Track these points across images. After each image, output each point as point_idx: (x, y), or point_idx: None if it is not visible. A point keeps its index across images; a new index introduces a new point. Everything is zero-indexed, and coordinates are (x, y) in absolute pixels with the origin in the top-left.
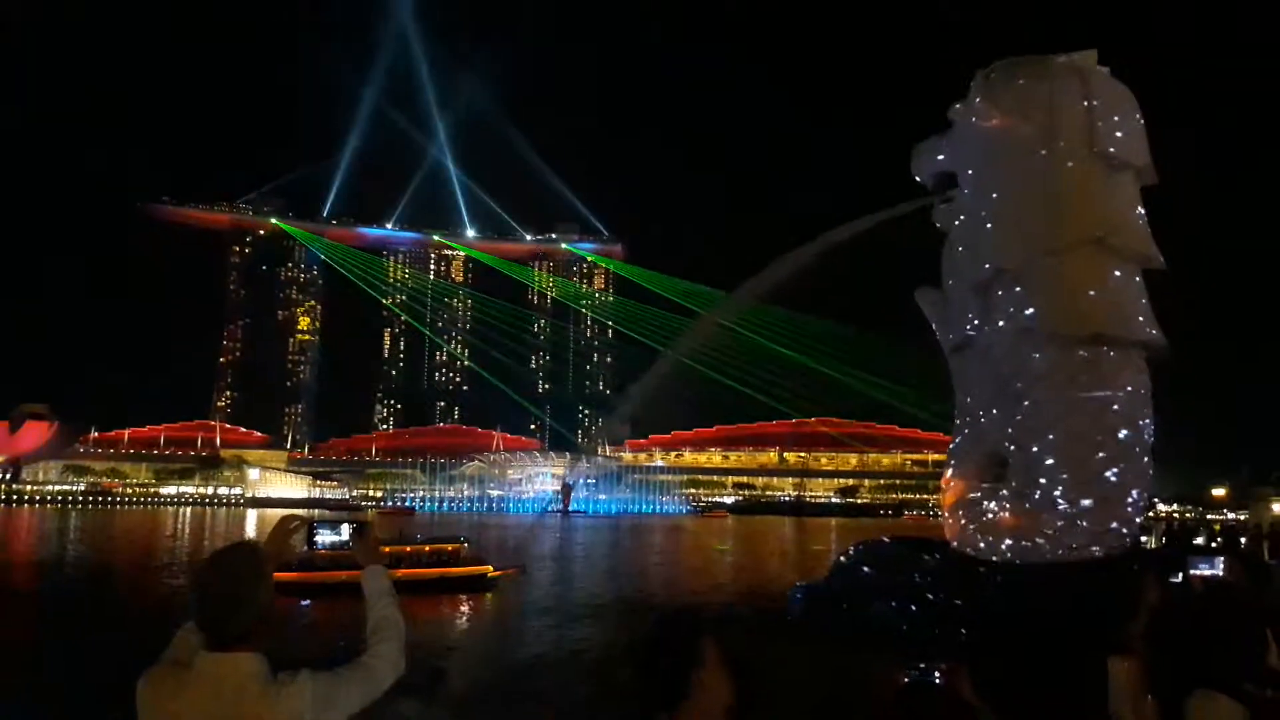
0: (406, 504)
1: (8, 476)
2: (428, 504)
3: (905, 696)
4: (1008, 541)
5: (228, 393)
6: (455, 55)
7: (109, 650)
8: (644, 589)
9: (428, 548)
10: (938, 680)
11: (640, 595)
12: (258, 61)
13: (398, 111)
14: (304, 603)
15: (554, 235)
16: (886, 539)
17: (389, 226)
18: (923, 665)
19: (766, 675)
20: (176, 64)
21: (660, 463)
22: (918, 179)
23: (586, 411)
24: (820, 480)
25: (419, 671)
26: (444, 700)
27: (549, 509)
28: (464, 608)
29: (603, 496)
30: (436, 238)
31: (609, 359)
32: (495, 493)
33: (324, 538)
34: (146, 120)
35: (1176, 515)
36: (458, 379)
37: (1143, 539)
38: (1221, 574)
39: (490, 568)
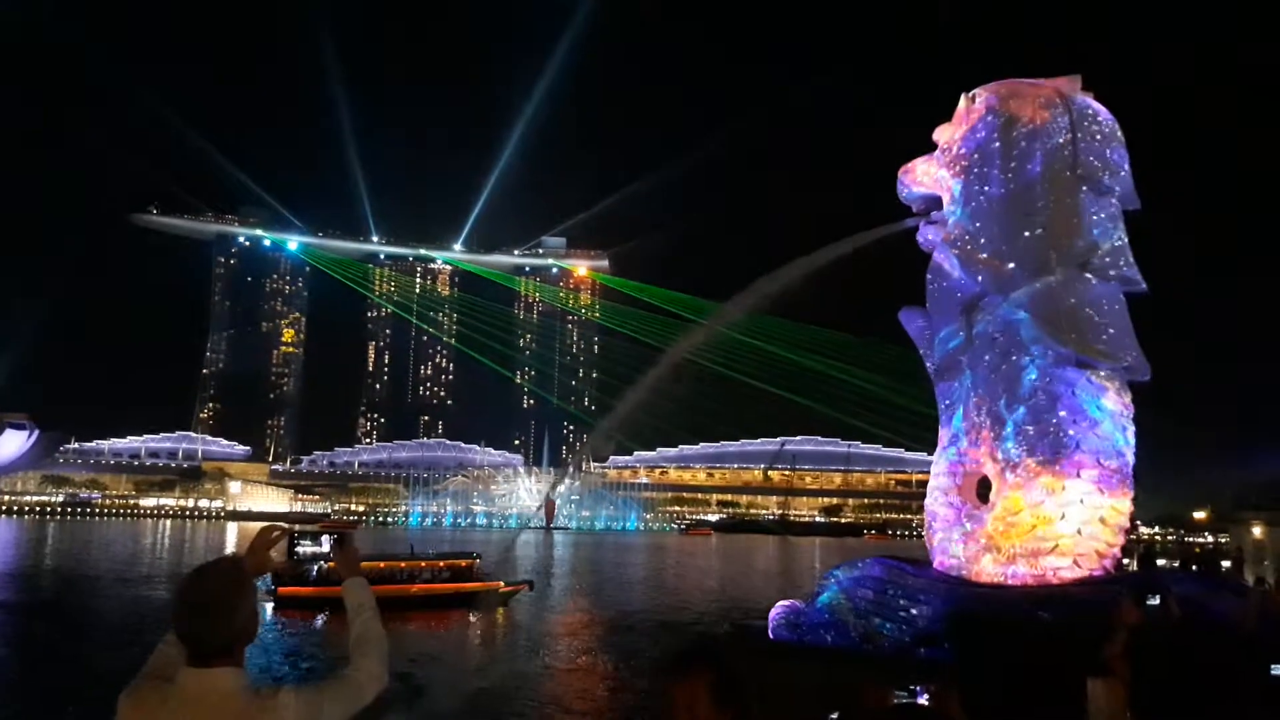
0: (388, 520)
1: None
2: (413, 518)
3: (893, 717)
4: (989, 562)
5: (210, 404)
6: (444, 69)
7: (88, 664)
8: (646, 604)
9: (442, 563)
10: (925, 701)
11: (645, 610)
12: (245, 72)
13: (386, 125)
14: (319, 619)
15: (541, 250)
16: (870, 559)
17: (375, 239)
18: (912, 687)
19: (753, 695)
20: (166, 74)
21: (645, 480)
22: (903, 200)
23: (571, 427)
24: (804, 499)
25: (438, 685)
26: (431, 714)
27: (532, 524)
28: (477, 622)
29: (586, 513)
30: (423, 250)
31: (594, 374)
32: (478, 507)
33: (305, 549)
34: (133, 130)
35: (1158, 538)
36: (442, 393)
37: (1124, 561)
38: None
39: (501, 583)
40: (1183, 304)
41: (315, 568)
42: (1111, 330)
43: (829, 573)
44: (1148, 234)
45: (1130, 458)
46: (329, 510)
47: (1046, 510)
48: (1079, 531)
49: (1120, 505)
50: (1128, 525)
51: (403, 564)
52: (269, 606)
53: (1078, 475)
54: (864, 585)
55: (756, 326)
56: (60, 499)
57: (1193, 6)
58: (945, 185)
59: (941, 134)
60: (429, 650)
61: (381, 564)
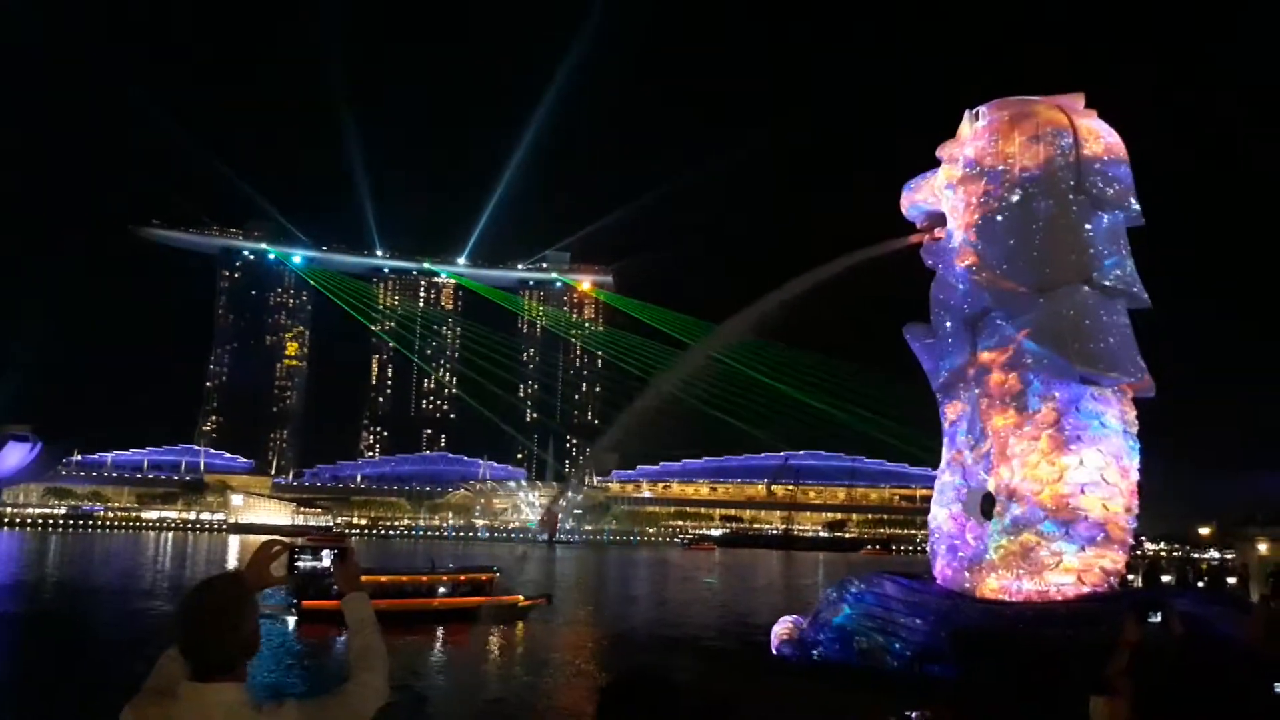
0: (390, 532)
1: None
2: (416, 532)
3: None
4: (994, 579)
5: (213, 417)
6: (453, 80)
7: (90, 678)
8: (650, 618)
9: (463, 577)
10: None
11: (649, 624)
12: (253, 84)
13: (389, 140)
14: (343, 633)
15: (545, 264)
16: (873, 575)
17: (380, 253)
18: (907, 713)
19: (750, 713)
20: (170, 89)
21: (647, 494)
22: (907, 216)
23: (574, 441)
24: (808, 514)
25: (442, 697)
26: None
27: (535, 538)
28: (493, 635)
29: (588, 527)
30: (427, 264)
31: (597, 389)
32: (480, 521)
33: (305, 564)
34: (136, 142)
35: (1164, 554)
36: (445, 407)
37: (1129, 577)
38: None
39: (520, 597)
40: (1184, 317)
41: None
42: (1116, 346)
43: (831, 589)
44: (1148, 247)
45: (1135, 473)
46: (331, 524)
47: (1050, 527)
48: (1083, 548)
49: (1125, 521)
50: (1132, 541)
51: (424, 578)
52: (292, 621)
53: (1082, 491)
54: (867, 602)
55: (754, 352)
56: (63, 511)
57: (1193, 9)
58: (949, 202)
59: (945, 151)
60: (439, 662)
61: (404, 578)
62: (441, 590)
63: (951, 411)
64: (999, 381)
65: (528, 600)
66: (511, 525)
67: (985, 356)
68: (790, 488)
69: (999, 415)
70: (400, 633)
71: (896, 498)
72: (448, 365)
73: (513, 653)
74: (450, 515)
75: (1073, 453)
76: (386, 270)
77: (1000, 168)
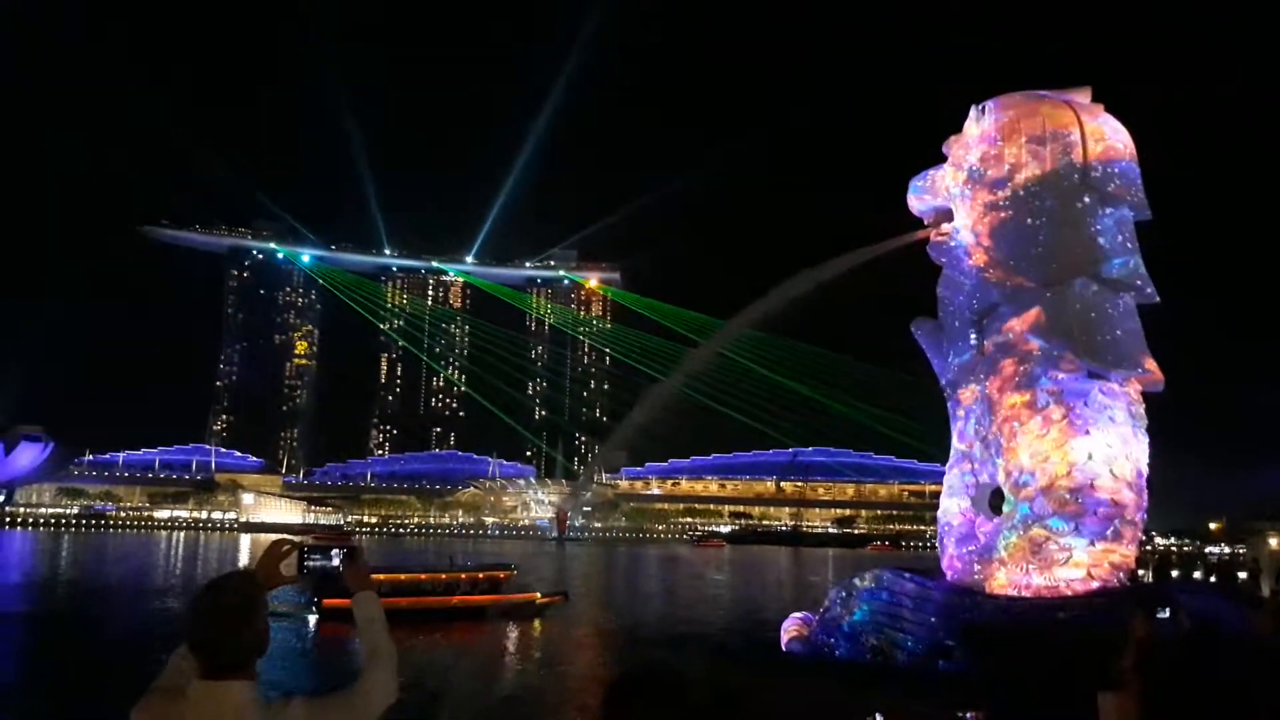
0: (397, 530)
1: (1, 499)
2: (426, 529)
3: None
4: (1003, 574)
5: (224, 416)
6: (456, 83)
7: (102, 676)
8: (662, 615)
9: (481, 574)
10: None
11: (660, 621)
12: (259, 84)
13: (397, 138)
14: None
15: (552, 262)
16: (884, 571)
17: (388, 251)
18: (965, 714)
19: (761, 709)
20: (175, 88)
21: (656, 491)
22: (914, 212)
23: (583, 439)
24: (817, 510)
25: (454, 693)
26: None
27: (547, 535)
28: (515, 633)
29: (598, 525)
30: (435, 263)
31: (606, 386)
32: (490, 519)
33: (315, 562)
34: (144, 143)
35: (1174, 549)
36: (454, 405)
37: (1139, 572)
38: None
39: (537, 595)
40: (1191, 312)
41: None
42: (1123, 340)
43: (839, 586)
44: (1156, 241)
45: (1144, 468)
46: (341, 522)
47: (1059, 522)
48: (1092, 542)
49: (1134, 516)
50: (1142, 536)
51: (443, 576)
52: (312, 620)
53: (1091, 486)
54: (879, 599)
55: (761, 348)
56: (75, 511)
57: (1195, 7)
58: (955, 198)
59: (951, 146)
60: (456, 660)
61: (422, 576)
62: (460, 588)
63: (960, 406)
64: (1007, 377)
65: (545, 598)
66: (521, 523)
67: (993, 352)
68: (799, 484)
69: (1007, 409)
70: (418, 631)
71: (905, 494)
72: (457, 363)
73: (530, 650)
74: (460, 513)
75: (1082, 446)
76: (395, 269)
77: (1006, 168)
